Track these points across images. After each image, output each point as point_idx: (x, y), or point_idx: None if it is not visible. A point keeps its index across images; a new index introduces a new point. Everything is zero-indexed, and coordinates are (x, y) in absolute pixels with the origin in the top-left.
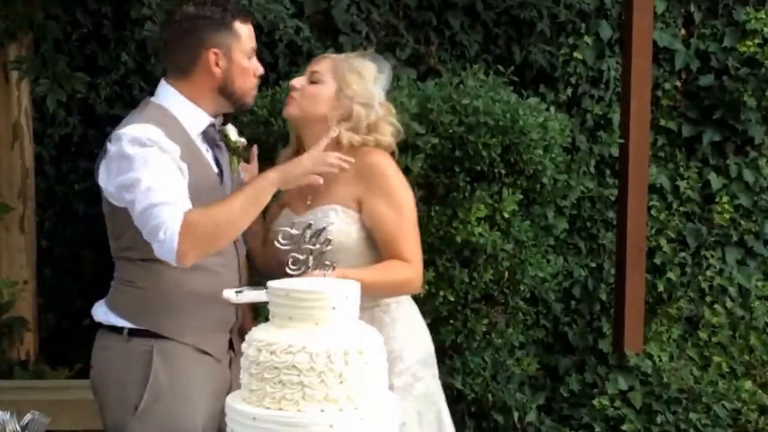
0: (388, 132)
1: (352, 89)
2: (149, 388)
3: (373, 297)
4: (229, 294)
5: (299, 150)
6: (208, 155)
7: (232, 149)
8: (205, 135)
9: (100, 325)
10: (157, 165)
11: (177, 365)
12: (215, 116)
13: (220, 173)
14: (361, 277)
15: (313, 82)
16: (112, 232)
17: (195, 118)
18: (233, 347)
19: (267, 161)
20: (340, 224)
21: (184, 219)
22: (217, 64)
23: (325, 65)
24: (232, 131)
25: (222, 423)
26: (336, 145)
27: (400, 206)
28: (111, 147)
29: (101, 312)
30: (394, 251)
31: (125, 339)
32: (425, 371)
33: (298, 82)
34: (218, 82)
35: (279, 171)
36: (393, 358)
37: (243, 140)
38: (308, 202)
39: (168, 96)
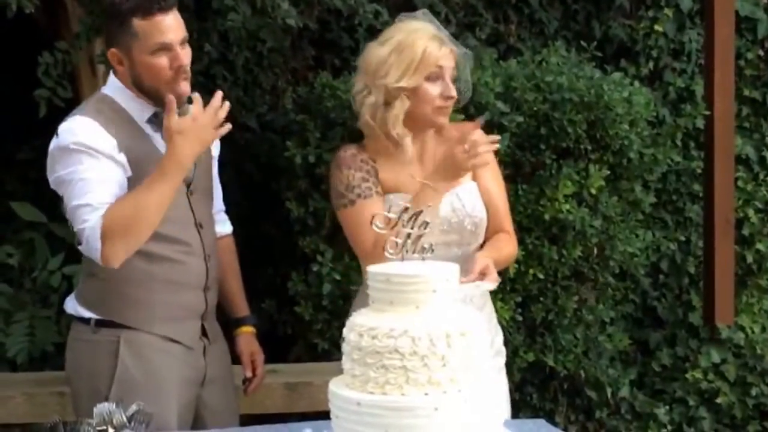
0: None
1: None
2: (117, 379)
3: None
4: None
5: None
6: (158, 140)
7: None
8: (156, 120)
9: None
10: (88, 164)
11: (145, 355)
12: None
13: None
14: (500, 255)
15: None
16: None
17: (136, 106)
18: (206, 334)
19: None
20: (479, 201)
21: (104, 221)
22: (120, 64)
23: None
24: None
25: (200, 411)
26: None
27: (501, 178)
28: (52, 141)
29: (70, 304)
30: (499, 223)
31: (93, 330)
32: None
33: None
34: (130, 79)
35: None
36: None
37: None
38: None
39: (112, 85)
